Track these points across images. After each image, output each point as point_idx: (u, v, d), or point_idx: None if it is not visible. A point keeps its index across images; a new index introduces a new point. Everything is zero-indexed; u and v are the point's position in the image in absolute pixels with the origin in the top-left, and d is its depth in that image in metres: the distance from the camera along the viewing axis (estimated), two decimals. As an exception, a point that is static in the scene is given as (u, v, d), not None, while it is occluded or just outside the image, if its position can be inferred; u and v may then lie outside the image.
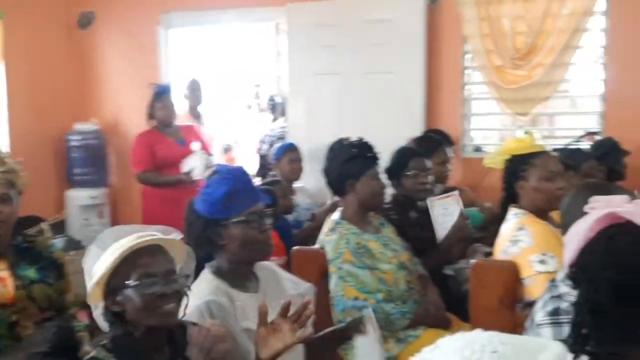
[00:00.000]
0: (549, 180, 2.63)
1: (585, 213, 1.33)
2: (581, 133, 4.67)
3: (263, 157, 5.44)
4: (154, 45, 5.58)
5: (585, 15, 4.41)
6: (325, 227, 2.99)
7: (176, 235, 1.82)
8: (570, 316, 1.61)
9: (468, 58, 4.86)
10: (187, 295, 1.70)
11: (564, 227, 1.90)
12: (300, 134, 5.06)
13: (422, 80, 4.81)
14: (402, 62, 4.82)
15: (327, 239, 2.88)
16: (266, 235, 2.09)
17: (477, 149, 5.00)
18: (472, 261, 2.82)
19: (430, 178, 3.52)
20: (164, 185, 4.58)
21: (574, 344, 1.27)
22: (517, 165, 2.70)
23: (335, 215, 3.01)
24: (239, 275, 2.11)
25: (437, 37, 4.87)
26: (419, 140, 4.08)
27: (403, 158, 3.47)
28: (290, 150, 4.57)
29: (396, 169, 3.44)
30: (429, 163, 3.54)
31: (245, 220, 2.04)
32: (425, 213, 3.54)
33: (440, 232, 3.33)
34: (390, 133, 4.50)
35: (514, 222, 2.62)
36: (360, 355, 2.18)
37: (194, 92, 5.58)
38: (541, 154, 2.72)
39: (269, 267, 2.25)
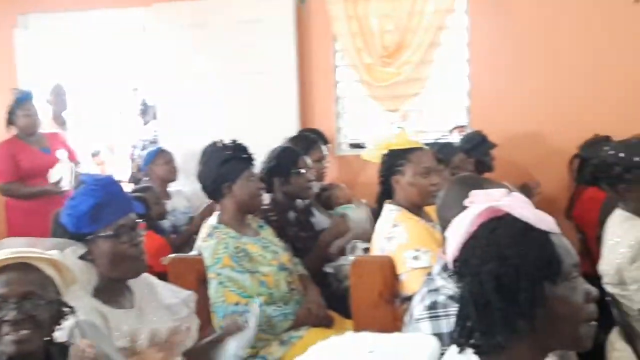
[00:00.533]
0: (423, 175, 2.70)
1: (462, 206, 1.35)
2: (450, 127, 4.84)
3: (136, 163, 5.27)
4: (10, 49, 5.24)
5: (447, 13, 4.57)
6: (203, 233, 2.91)
7: (73, 251, 1.69)
8: (447, 309, 1.65)
9: (339, 56, 4.92)
10: (41, 320, 1.57)
11: (441, 221, 1.94)
12: (172, 138, 4.94)
13: (294, 79, 4.81)
14: (273, 62, 4.80)
15: (205, 244, 2.80)
16: (138, 249, 1.98)
17: (357, 146, 5.05)
18: (351, 258, 2.85)
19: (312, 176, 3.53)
20: (29, 197, 4.32)
21: (459, 337, 1.29)
22: (394, 160, 2.76)
23: (213, 219, 2.94)
24: (112, 291, 1.99)
25: (307, 36, 4.90)
26: (294, 140, 4.07)
27: (292, 157, 3.45)
28: (161, 153, 4.48)
29: (285, 168, 3.40)
30: (309, 161, 3.55)
31: (113, 234, 1.93)
32: (304, 213, 3.56)
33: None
34: (264, 134, 4.48)
35: (389, 218, 2.66)
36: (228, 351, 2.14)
37: (59, 97, 5.33)
38: (417, 149, 2.79)
39: (144, 279, 2.14)
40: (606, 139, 3.67)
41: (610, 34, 4.34)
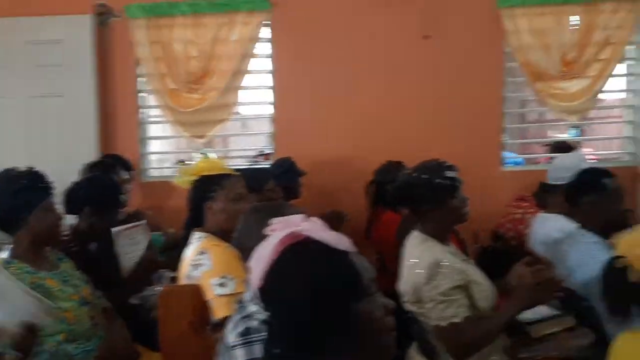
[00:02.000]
0: (234, 202, 2.72)
1: (262, 234, 1.37)
2: (255, 154, 4.91)
3: None
4: None
5: (251, 41, 4.66)
6: (-6, 269, 2.67)
7: None
8: (261, 334, 1.65)
9: (142, 81, 4.81)
10: None
11: (240, 250, 1.97)
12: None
13: (94, 103, 4.62)
14: (72, 85, 4.59)
15: (-4, 281, 2.57)
16: None
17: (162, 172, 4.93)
18: (159, 288, 2.77)
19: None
20: None
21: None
22: (206, 186, 2.76)
23: (4, 254, 2.71)
24: None
25: (109, 60, 4.74)
26: (92, 166, 3.90)
27: (116, 191, 3.34)
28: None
29: (106, 201, 3.28)
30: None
31: None
32: (106, 243, 3.40)
33: (126, 262, 3.19)
34: (62, 160, 4.25)
35: (196, 245, 2.65)
36: None
37: None
38: (229, 176, 2.82)
39: None
40: (398, 164, 3.92)
41: (403, 66, 4.68)
